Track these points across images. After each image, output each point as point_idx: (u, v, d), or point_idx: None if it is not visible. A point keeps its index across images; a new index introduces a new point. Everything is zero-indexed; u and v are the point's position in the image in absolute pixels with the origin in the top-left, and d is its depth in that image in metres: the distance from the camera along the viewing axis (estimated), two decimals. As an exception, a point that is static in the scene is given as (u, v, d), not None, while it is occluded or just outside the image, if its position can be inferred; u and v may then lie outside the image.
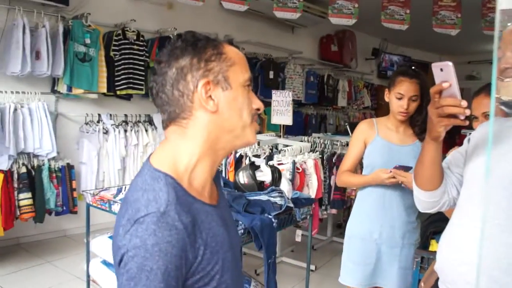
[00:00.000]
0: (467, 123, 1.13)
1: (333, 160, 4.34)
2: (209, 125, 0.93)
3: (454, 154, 1.45)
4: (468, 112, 1.09)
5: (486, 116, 1.81)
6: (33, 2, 3.97)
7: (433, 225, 2.49)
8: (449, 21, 4.72)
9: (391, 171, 2.08)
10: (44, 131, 3.92)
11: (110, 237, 3.00)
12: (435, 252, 2.26)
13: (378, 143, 2.25)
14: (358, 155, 2.31)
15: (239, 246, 1.09)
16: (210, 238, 0.89)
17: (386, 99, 2.24)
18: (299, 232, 3.66)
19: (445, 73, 1.07)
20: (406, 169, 2.05)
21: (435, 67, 1.08)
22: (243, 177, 2.95)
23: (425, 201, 1.42)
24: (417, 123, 2.21)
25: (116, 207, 2.86)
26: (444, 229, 2.42)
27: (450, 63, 1.05)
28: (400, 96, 2.13)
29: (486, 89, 1.86)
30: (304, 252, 3.87)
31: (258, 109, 1.00)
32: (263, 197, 2.79)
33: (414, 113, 2.18)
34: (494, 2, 4.65)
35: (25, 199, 3.80)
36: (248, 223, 2.42)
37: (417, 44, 9.35)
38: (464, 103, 1.09)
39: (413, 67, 2.22)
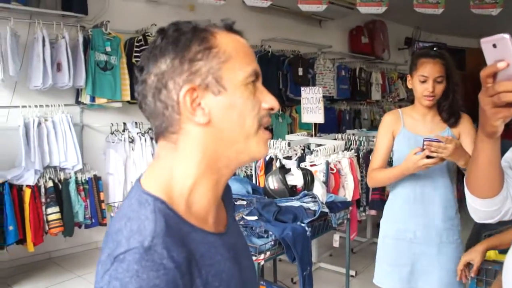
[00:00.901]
0: None
1: (370, 158, 4.06)
2: (204, 140, 0.75)
3: None
4: None
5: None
6: (53, 15, 3.93)
7: (487, 228, 2.20)
8: (489, 0, 4.34)
9: (423, 149, 1.81)
10: (68, 143, 3.86)
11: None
12: (495, 261, 1.99)
13: (404, 136, 2.07)
14: (387, 150, 2.12)
15: (254, 280, 0.89)
16: (212, 277, 0.71)
17: (409, 86, 2.08)
18: (336, 237, 3.43)
19: (500, 49, 0.82)
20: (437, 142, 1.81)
21: (486, 43, 0.83)
22: (272, 182, 2.75)
23: (483, 210, 1.15)
24: (444, 108, 2.03)
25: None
26: (501, 232, 2.14)
27: (507, 36, 0.81)
28: (424, 78, 1.96)
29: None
30: (343, 256, 3.63)
31: (271, 109, 0.78)
32: (295, 203, 2.59)
33: (440, 98, 2.01)
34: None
35: (53, 213, 3.75)
36: (279, 234, 2.22)
37: (452, 30, 8.88)
38: None
39: (434, 48, 2.03)
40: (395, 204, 2.13)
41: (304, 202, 2.59)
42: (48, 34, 3.77)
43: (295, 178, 2.80)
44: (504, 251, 1.98)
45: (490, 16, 4.55)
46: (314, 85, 6.26)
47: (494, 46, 0.82)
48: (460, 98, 2.03)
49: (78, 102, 4.21)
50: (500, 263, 1.94)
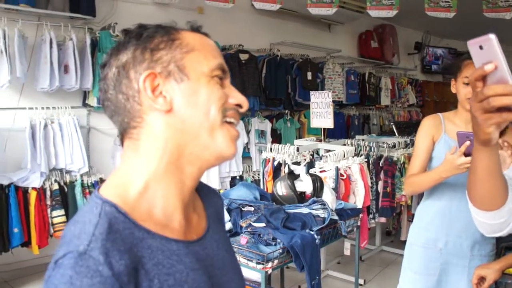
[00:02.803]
0: None
1: (380, 164, 3.99)
2: (165, 131, 0.70)
3: None
4: None
5: None
6: (61, 16, 3.91)
7: (505, 239, 2.13)
8: (503, 3, 4.25)
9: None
10: (75, 146, 3.83)
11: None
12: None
13: (445, 142, 1.95)
14: (427, 155, 1.99)
15: (239, 282, 0.82)
16: (166, 287, 0.64)
17: (453, 90, 1.96)
18: (347, 244, 3.35)
19: (487, 51, 0.76)
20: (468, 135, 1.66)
21: (473, 45, 0.77)
22: (281, 188, 2.68)
23: (489, 223, 1.07)
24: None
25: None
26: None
27: (493, 36, 0.75)
28: (469, 80, 1.82)
29: None
30: (351, 264, 3.56)
31: (238, 105, 0.75)
32: (304, 210, 2.52)
33: None
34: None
35: (58, 216, 3.71)
36: (288, 242, 2.16)
37: (463, 35, 8.75)
38: None
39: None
40: (428, 213, 2.03)
41: (313, 209, 2.53)
42: (55, 36, 3.75)
43: (304, 184, 2.74)
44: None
45: (503, 20, 4.46)
46: (323, 89, 6.19)
47: (481, 47, 0.76)
48: None
49: (85, 105, 4.19)
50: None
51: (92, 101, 4.04)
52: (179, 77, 0.71)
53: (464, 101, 1.90)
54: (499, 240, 2.11)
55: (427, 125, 2.02)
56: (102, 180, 4.05)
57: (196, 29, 0.77)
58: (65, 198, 3.78)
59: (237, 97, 0.75)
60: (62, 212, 3.72)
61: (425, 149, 1.99)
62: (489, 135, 0.84)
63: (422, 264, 2.00)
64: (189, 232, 0.74)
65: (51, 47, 3.69)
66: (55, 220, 3.69)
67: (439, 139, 1.98)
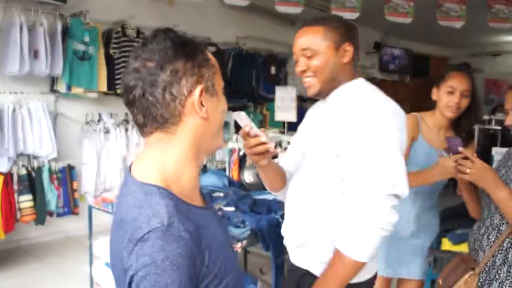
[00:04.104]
0: (278, 152, 1.31)
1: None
2: (197, 131, 0.90)
3: None
4: (272, 146, 1.26)
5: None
6: (30, 1, 3.90)
7: (445, 223, 2.42)
8: (454, 13, 4.62)
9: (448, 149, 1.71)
10: (43, 132, 3.86)
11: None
12: (448, 251, 2.22)
13: (420, 143, 2.06)
14: (406, 153, 1.99)
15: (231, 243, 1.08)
16: (211, 241, 0.86)
17: (434, 98, 2.07)
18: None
19: (243, 120, 1.25)
20: (458, 142, 1.67)
21: (236, 116, 1.25)
22: (248, 176, 2.89)
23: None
24: (465, 128, 2.06)
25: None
26: (457, 227, 2.37)
27: (241, 113, 1.24)
28: (452, 89, 1.98)
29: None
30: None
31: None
32: (269, 196, 2.73)
33: (462, 117, 2.05)
34: (501, -7, 4.58)
35: (25, 201, 3.75)
36: (255, 224, 2.36)
37: (419, 37, 9.24)
38: (264, 139, 1.24)
39: (463, 66, 2.17)
40: None
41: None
42: (25, 20, 3.75)
43: (270, 173, 2.94)
44: (459, 242, 2.22)
45: (454, 28, 4.84)
46: (285, 84, 6.42)
47: (240, 118, 1.25)
48: (480, 119, 2.11)
49: (53, 91, 4.20)
50: (454, 253, 2.17)
51: (61, 87, 4.06)
52: (213, 92, 0.91)
53: (444, 108, 2.01)
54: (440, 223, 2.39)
55: (408, 123, 2.10)
56: (70, 166, 4.11)
57: (207, 46, 0.97)
58: (32, 183, 3.81)
59: (225, 105, 0.98)
60: (29, 197, 3.76)
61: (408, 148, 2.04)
62: (263, 163, 1.35)
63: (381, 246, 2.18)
64: (201, 201, 0.97)
65: (21, 31, 3.69)
66: (22, 205, 3.73)
67: (416, 139, 2.06)
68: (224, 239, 0.94)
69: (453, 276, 1.56)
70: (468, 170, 1.51)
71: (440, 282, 1.63)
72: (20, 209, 3.73)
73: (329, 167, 1.36)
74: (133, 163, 0.93)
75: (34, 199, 3.80)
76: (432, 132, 2.07)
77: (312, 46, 1.37)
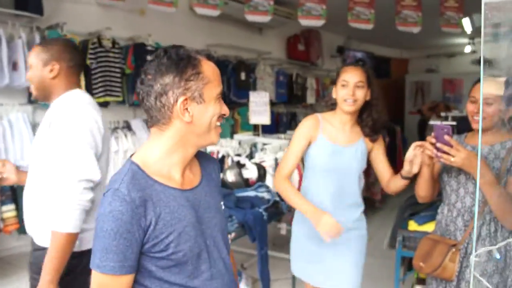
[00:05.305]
0: None
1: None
2: (182, 131, 1.13)
3: None
4: None
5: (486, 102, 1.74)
6: (6, 13, 3.96)
7: (410, 208, 2.73)
8: (411, 20, 5.01)
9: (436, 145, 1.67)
10: (25, 142, 3.93)
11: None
12: (415, 231, 2.50)
13: (321, 144, 2.07)
14: (300, 154, 2.10)
15: (218, 224, 1.25)
16: (164, 213, 1.09)
17: (334, 96, 2.09)
18: (282, 225, 3.84)
19: None
20: (446, 131, 1.66)
21: None
22: (230, 176, 3.09)
23: None
24: (368, 123, 2.08)
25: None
26: (420, 211, 2.66)
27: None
28: (345, 83, 1.99)
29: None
30: (286, 245, 4.04)
31: (224, 114, 1.20)
32: (251, 193, 2.95)
33: (363, 113, 2.07)
34: (451, 1, 4.99)
35: (8, 211, 3.81)
36: (242, 218, 2.57)
37: (379, 41, 9.71)
38: None
39: (357, 61, 2.14)
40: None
41: (259, 192, 2.97)
42: (3, 33, 3.82)
43: (250, 172, 3.17)
44: (423, 223, 2.50)
45: (411, 33, 5.23)
46: (255, 89, 6.66)
47: None
48: (383, 113, 2.08)
49: (31, 102, 4.26)
50: (421, 232, 2.46)
51: (40, 98, 4.13)
52: (199, 101, 1.12)
53: (342, 102, 2.01)
54: (405, 209, 2.68)
55: (307, 125, 2.09)
56: (51, 175, 4.18)
57: (209, 57, 1.18)
58: (15, 193, 3.87)
59: (225, 109, 1.19)
60: (12, 206, 3.82)
61: (300, 149, 2.07)
62: None
63: (306, 254, 2.14)
64: (184, 185, 1.18)
65: (-1, 44, 3.77)
66: (6, 215, 3.79)
67: (316, 140, 2.06)
68: (187, 218, 1.13)
69: (434, 256, 1.75)
70: (452, 159, 1.62)
71: (422, 264, 1.79)
72: (3, 219, 3.78)
73: (47, 162, 1.71)
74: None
75: (17, 209, 3.86)
76: (337, 130, 2.07)
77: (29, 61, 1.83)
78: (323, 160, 2.05)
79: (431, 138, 1.69)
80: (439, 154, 1.65)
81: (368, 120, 2.07)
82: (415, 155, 1.78)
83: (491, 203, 1.64)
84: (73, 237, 1.62)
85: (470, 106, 1.79)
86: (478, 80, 1.79)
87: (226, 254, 1.25)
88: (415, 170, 1.81)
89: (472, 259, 1.18)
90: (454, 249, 1.73)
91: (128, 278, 1.07)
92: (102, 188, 1.81)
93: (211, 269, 1.18)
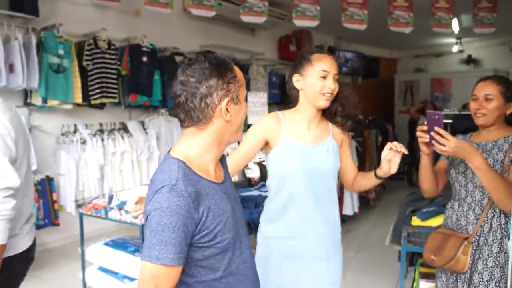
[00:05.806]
0: None
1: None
2: (220, 129, 1.23)
3: None
4: None
5: (486, 98, 1.85)
6: (2, 15, 3.94)
7: (412, 204, 2.79)
8: (403, 20, 5.09)
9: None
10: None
11: (105, 244, 3.08)
12: (420, 226, 2.56)
13: (288, 143, 1.80)
14: (253, 149, 1.83)
15: (241, 215, 1.37)
16: (212, 206, 1.18)
17: (299, 86, 1.82)
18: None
19: None
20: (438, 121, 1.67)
21: None
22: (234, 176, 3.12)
23: None
24: (338, 111, 1.85)
25: (113, 214, 2.95)
26: (421, 208, 2.72)
27: None
28: (325, 74, 1.74)
29: (494, 78, 1.92)
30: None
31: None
32: (255, 192, 2.98)
33: (331, 107, 1.83)
34: (442, 2, 5.09)
35: (7, 213, 3.77)
36: (248, 217, 2.60)
37: (369, 41, 9.81)
38: None
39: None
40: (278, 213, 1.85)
41: (262, 191, 3.00)
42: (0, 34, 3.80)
43: (253, 171, 3.20)
44: (426, 218, 2.56)
45: (403, 33, 5.31)
46: (248, 90, 6.68)
47: None
48: (353, 102, 1.88)
49: (27, 104, 4.24)
50: (424, 227, 2.51)
51: (37, 100, 4.12)
52: (236, 101, 1.23)
53: (318, 96, 1.76)
54: (407, 205, 2.74)
55: (266, 123, 1.85)
56: (49, 178, 4.16)
57: (236, 63, 1.27)
58: (13, 195, 3.84)
59: (245, 111, 1.29)
60: None
61: (255, 143, 1.82)
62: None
63: (277, 274, 1.85)
64: (217, 178, 1.27)
65: (-4, 46, 3.74)
66: (4, 217, 3.75)
67: (279, 142, 1.80)
68: (228, 209, 1.22)
69: (447, 249, 1.82)
70: (444, 148, 1.67)
71: (433, 257, 1.85)
72: (1, 222, 3.75)
73: None
74: (172, 147, 1.26)
75: (15, 212, 3.83)
76: (302, 128, 1.83)
77: None
78: (294, 163, 1.77)
79: (422, 127, 1.75)
80: (433, 141, 1.70)
81: (337, 106, 1.83)
82: (395, 154, 1.69)
83: (486, 186, 1.73)
84: (1, 248, 1.60)
85: (473, 103, 1.92)
86: (481, 80, 1.95)
87: (249, 241, 1.36)
88: (393, 170, 1.72)
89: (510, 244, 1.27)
90: (466, 242, 1.81)
91: (180, 269, 1.14)
92: (27, 192, 1.81)
93: (242, 254, 1.28)
